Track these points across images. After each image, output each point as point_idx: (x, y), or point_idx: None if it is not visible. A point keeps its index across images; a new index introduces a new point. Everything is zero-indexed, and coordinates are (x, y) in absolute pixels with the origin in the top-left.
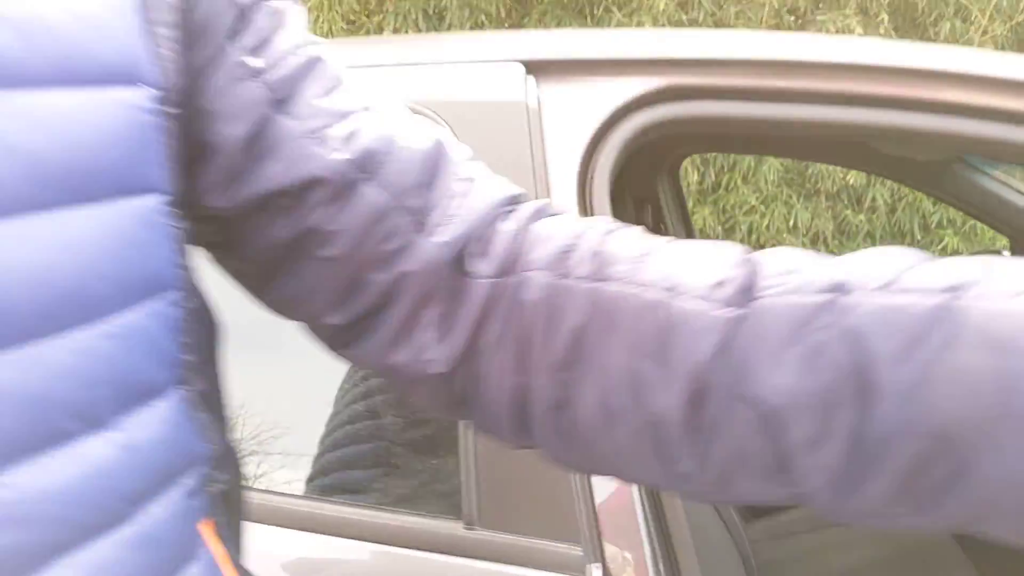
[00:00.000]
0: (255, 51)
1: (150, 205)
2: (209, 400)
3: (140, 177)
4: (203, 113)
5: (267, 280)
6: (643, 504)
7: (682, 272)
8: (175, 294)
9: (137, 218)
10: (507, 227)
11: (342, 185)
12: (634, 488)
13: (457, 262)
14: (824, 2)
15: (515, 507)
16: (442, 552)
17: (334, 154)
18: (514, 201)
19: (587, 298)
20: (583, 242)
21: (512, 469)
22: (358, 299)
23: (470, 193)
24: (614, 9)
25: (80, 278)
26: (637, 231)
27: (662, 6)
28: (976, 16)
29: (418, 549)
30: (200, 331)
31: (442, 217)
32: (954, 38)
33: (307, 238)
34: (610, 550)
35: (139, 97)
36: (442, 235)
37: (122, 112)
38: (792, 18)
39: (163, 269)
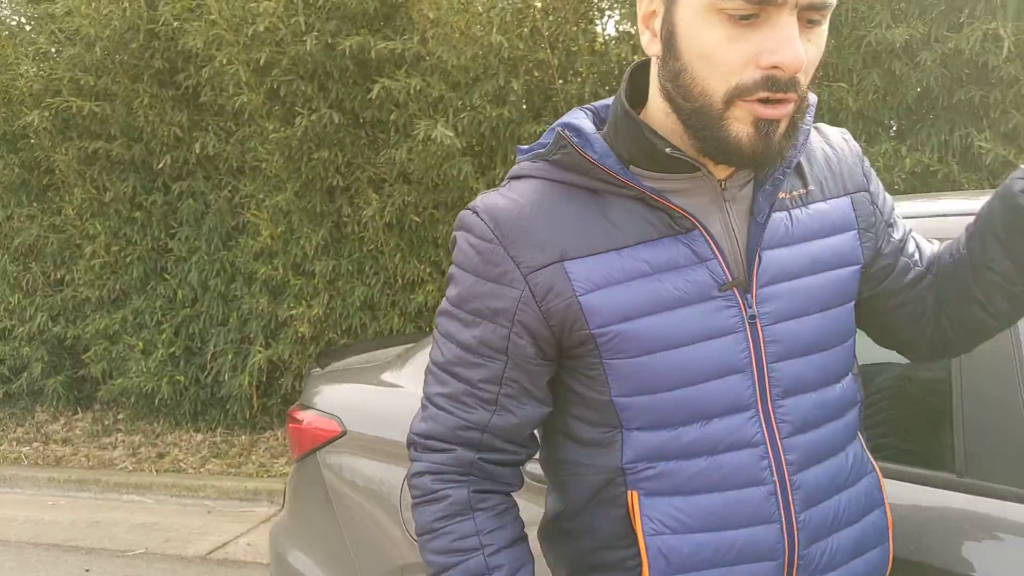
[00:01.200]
0: (886, 226)
1: (852, 303)
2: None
3: (852, 291)
4: (881, 260)
5: (884, 329)
6: None
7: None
8: (850, 340)
9: (850, 310)
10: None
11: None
12: None
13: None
14: None
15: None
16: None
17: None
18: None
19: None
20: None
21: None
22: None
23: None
24: None
25: (830, 328)
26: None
27: None
28: None
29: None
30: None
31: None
32: None
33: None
34: None
35: (854, 270)
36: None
37: (848, 274)
38: None
39: (851, 325)
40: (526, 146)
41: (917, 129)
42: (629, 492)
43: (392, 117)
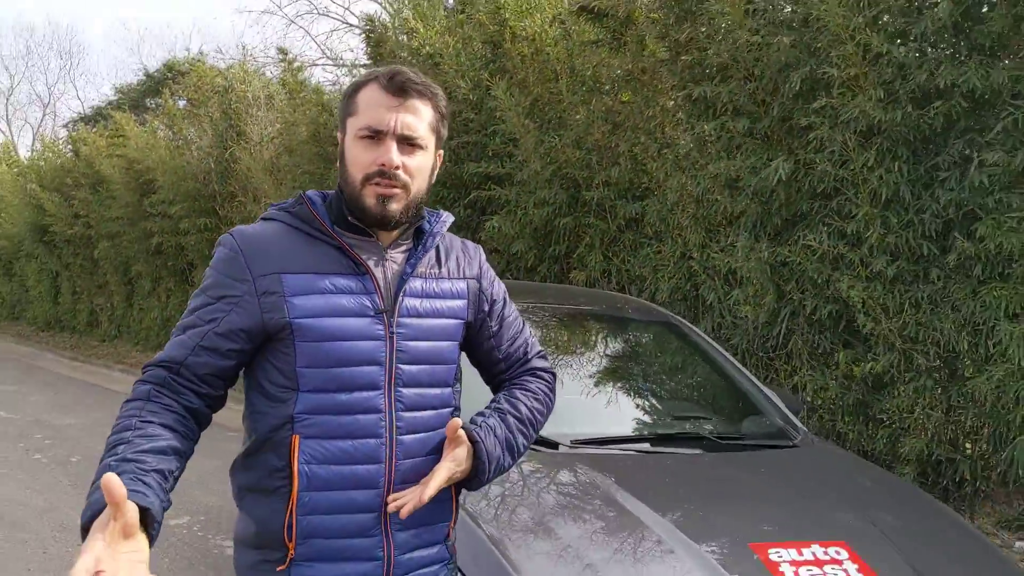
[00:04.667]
0: (491, 306)
1: (458, 342)
2: (455, 391)
3: (457, 334)
4: (482, 323)
5: (472, 355)
6: None
7: None
8: (456, 366)
9: (455, 345)
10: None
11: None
12: None
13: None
14: None
15: None
16: None
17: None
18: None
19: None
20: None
21: None
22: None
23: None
24: None
25: (437, 353)
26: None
27: None
28: None
29: None
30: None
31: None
32: None
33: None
34: None
35: (461, 323)
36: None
37: (455, 324)
38: None
39: (455, 357)
40: (276, 203)
41: None
42: (293, 436)
43: None
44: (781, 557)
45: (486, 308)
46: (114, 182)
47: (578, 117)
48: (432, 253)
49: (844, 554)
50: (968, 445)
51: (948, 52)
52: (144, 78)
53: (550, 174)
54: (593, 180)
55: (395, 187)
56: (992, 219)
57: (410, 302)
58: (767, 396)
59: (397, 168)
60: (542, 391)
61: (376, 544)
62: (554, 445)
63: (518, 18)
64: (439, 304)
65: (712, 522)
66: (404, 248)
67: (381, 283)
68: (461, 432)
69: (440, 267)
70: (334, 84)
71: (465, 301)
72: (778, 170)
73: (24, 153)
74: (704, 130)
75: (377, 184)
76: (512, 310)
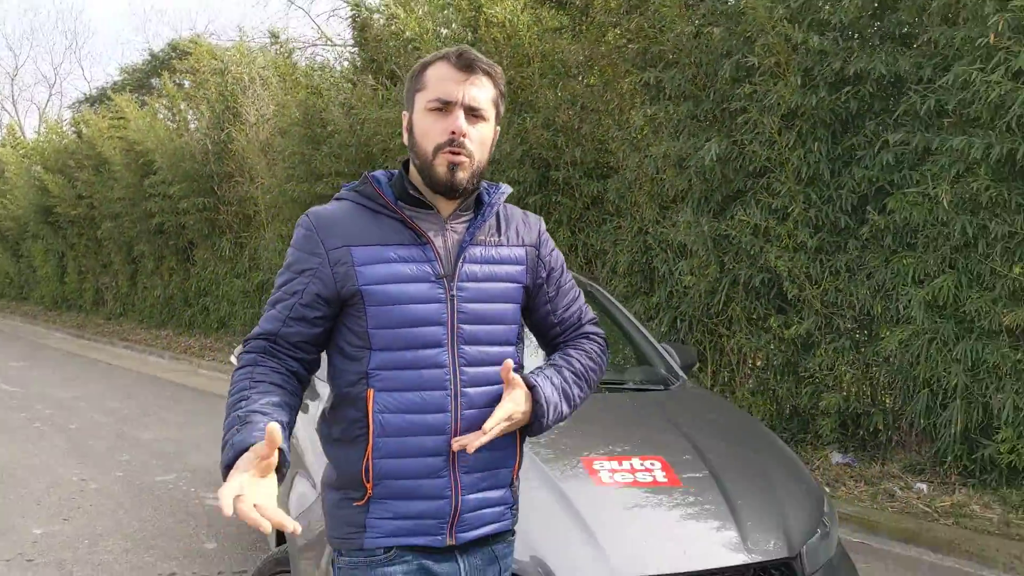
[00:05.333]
0: (549, 273)
1: (518, 304)
2: (518, 349)
3: (516, 297)
4: (539, 288)
5: (529, 319)
6: None
7: None
8: (517, 327)
9: (515, 307)
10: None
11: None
12: None
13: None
14: None
15: None
16: None
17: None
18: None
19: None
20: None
21: None
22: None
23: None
24: None
25: (496, 314)
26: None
27: None
28: None
29: None
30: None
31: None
32: None
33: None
34: None
35: (519, 286)
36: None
37: (514, 288)
38: None
39: (515, 318)
40: (348, 183)
41: None
42: (368, 390)
43: None
44: (602, 467)
45: (544, 274)
46: (115, 163)
47: (547, 100)
48: (492, 222)
49: (657, 465)
50: (887, 400)
51: (862, 40)
52: (149, 58)
53: (521, 154)
54: (560, 160)
55: (462, 155)
56: (901, 194)
57: (469, 268)
58: (659, 351)
59: (465, 135)
60: (595, 351)
61: (444, 485)
62: None
63: (491, 4)
64: (497, 269)
65: (557, 443)
66: (465, 219)
67: (441, 251)
68: (515, 375)
69: (500, 235)
70: (323, 69)
71: (523, 267)
72: (711, 150)
73: (31, 134)
74: (649, 113)
75: (449, 153)
76: (568, 278)
